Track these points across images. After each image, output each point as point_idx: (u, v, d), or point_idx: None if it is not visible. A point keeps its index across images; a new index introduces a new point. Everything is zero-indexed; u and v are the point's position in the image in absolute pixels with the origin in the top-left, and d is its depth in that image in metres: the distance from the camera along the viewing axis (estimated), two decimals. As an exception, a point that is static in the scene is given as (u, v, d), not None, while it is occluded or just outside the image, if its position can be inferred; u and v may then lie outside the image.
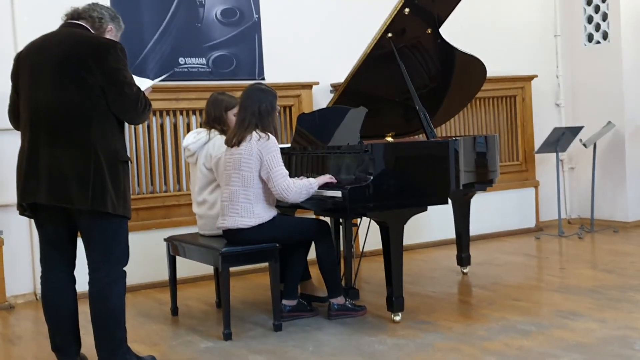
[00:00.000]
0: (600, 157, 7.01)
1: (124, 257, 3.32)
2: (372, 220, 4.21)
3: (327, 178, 4.06)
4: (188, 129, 5.57)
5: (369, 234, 4.66)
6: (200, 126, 4.67)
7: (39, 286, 3.93)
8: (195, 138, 4.40)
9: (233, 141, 4.02)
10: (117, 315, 3.28)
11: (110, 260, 3.25)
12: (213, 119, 4.43)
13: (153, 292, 5.19)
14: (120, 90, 3.18)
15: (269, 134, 3.98)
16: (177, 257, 4.49)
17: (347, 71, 4.69)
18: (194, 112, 5.63)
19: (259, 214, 3.98)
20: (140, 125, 5.38)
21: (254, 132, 3.97)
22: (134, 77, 3.30)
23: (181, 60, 5.71)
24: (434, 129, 4.52)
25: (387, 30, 4.46)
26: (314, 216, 4.85)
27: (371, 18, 5.36)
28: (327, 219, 4.68)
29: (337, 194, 3.93)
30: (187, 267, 5.03)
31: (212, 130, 4.40)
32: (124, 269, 3.31)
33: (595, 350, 3.42)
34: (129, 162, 3.32)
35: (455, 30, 5.15)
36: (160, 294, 5.08)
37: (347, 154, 4.13)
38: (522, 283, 4.92)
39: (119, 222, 3.25)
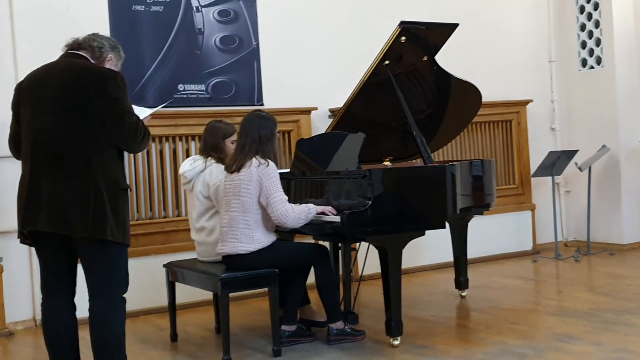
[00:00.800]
0: (596, 180, 7.06)
1: (124, 284, 3.34)
2: (370, 245, 4.24)
3: (327, 209, 4.09)
4: (187, 154, 5.61)
5: (367, 258, 4.69)
6: (198, 153, 4.70)
7: (39, 313, 3.95)
8: (191, 166, 4.43)
9: (233, 167, 4.06)
10: (117, 342, 3.30)
11: (110, 287, 3.27)
12: (210, 147, 4.46)
13: (152, 318, 5.20)
14: (120, 120, 3.23)
15: (269, 160, 4.02)
16: (176, 283, 4.51)
17: (346, 97, 4.75)
18: (193, 138, 5.68)
19: (258, 239, 4.01)
20: (140, 153, 5.42)
21: (254, 159, 4.02)
22: (133, 106, 3.35)
23: (180, 86, 5.77)
24: (430, 154, 4.57)
25: (384, 58, 4.53)
26: (312, 241, 4.88)
27: (369, 45, 5.42)
28: (326, 244, 4.72)
29: (336, 219, 3.97)
30: (186, 293, 5.05)
31: (209, 158, 4.43)
32: (124, 295, 3.34)
33: (592, 373, 3.45)
34: (129, 189, 3.36)
35: (451, 56, 5.22)
36: (159, 320, 5.09)
37: (346, 179, 4.18)
38: (519, 306, 4.94)
39: (119, 249, 3.28)
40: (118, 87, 3.25)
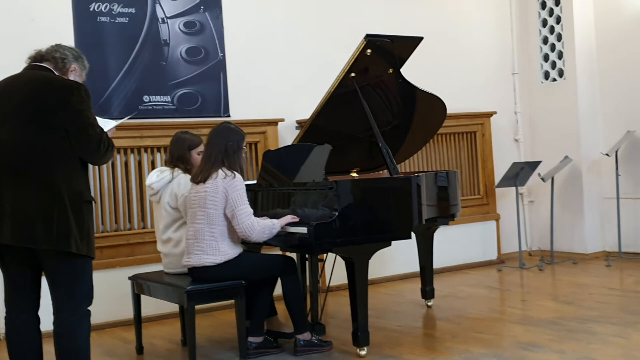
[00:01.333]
0: (559, 190, 7.18)
1: (89, 297, 3.32)
2: (337, 255, 4.26)
3: (289, 218, 4.13)
4: (153, 166, 5.59)
5: (334, 269, 4.71)
6: (164, 164, 4.68)
7: (2, 327, 3.89)
8: (158, 177, 4.42)
9: (199, 178, 4.06)
10: (82, 355, 3.28)
11: (74, 299, 3.25)
12: (176, 158, 4.45)
13: (118, 331, 5.15)
14: (83, 132, 3.22)
15: (235, 172, 4.03)
16: (142, 295, 4.48)
17: (313, 108, 4.78)
18: (158, 150, 5.65)
19: (224, 251, 4.01)
20: (105, 164, 5.38)
21: (220, 170, 4.02)
22: (98, 118, 3.33)
23: (146, 98, 5.74)
24: (396, 165, 4.62)
25: (350, 70, 4.56)
26: (279, 252, 4.89)
27: (335, 56, 5.49)
28: (293, 255, 4.73)
29: (303, 230, 3.98)
30: (152, 306, 5.01)
31: (176, 169, 4.42)
32: (89, 308, 3.32)
33: (556, 381, 3.50)
34: (93, 202, 3.34)
35: (417, 69, 5.28)
36: (125, 333, 5.04)
37: (313, 191, 4.20)
38: (484, 315, 5.00)
39: (83, 262, 3.26)
40: (82, 99, 3.23)
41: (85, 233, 3.23)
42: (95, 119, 3.29)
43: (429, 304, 5.35)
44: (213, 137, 4.12)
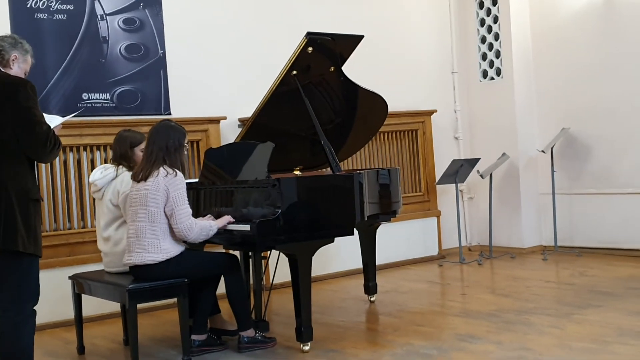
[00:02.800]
0: (497, 187, 7.35)
1: (35, 296, 3.30)
2: (281, 253, 4.29)
3: (226, 220, 4.13)
4: (92, 164, 5.51)
5: (278, 266, 4.73)
6: (103, 163, 4.64)
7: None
8: (102, 174, 4.38)
9: (140, 176, 4.03)
10: (27, 355, 3.26)
11: (20, 299, 3.22)
12: (120, 156, 4.42)
13: (58, 331, 5.07)
14: (30, 129, 3.17)
15: (177, 170, 4.01)
16: (83, 295, 4.42)
17: (255, 106, 4.78)
18: (98, 148, 5.57)
19: (166, 249, 3.98)
20: (44, 163, 5.28)
21: (161, 168, 4.00)
22: (45, 115, 3.29)
23: (85, 95, 5.66)
24: (339, 163, 4.66)
25: (291, 68, 4.59)
26: (223, 250, 4.88)
27: (277, 54, 5.50)
28: (237, 253, 4.73)
29: (246, 227, 3.99)
30: (92, 305, 4.95)
31: (120, 166, 4.39)
32: (34, 307, 3.28)
33: (494, 371, 3.60)
34: (40, 200, 3.30)
35: (358, 68, 5.34)
36: (66, 333, 4.97)
37: (256, 188, 4.21)
38: (425, 309, 5.09)
39: (30, 260, 3.24)
40: (28, 96, 3.20)
41: (32, 231, 3.21)
42: (42, 116, 3.26)
43: (371, 299, 5.42)
44: (154, 135, 4.09)
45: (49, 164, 5.37)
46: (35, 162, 3.33)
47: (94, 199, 5.42)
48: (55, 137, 3.26)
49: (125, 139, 4.44)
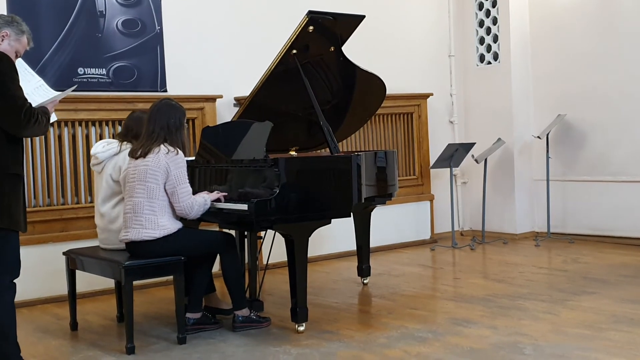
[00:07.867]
0: (491, 172, 7.35)
1: (12, 270, 3.30)
2: (276, 233, 4.27)
3: (218, 194, 4.12)
4: (87, 140, 5.47)
5: (273, 247, 4.72)
6: (116, 137, 4.59)
7: None
8: (104, 148, 4.34)
9: (139, 152, 4.00)
10: (5, 329, 3.25)
11: None
12: (132, 135, 4.36)
13: (51, 307, 5.04)
14: (3, 102, 3.15)
15: (178, 149, 3.99)
16: (77, 271, 4.40)
17: (252, 85, 4.75)
18: (93, 123, 5.53)
19: (164, 225, 3.96)
20: (38, 137, 5.24)
21: (162, 145, 3.97)
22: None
23: (80, 70, 5.59)
24: (337, 144, 4.64)
25: (291, 47, 4.55)
26: (218, 229, 4.86)
27: (276, 33, 5.45)
28: (232, 232, 4.71)
29: (243, 207, 3.97)
30: (85, 282, 4.92)
31: (124, 142, 4.36)
32: (14, 281, 3.28)
33: (487, 355, 3.61)
34: (20, 175, 3.27)
35: (355, 49, 5.30)
36: (58, 309, 4.94)
37: (253, 168, 4.18)
38: (419, 292, 5.10)
39: (4, 235, 3.23)
40: (3, 70, 3.17)
41: (6, 206, 3.19)
42: (19, 90, 3.22)
43: (365, 281, 5.42)
44: (154, 114, 4.06)
45: (43, 139, 5.32)
46: (20, 138, 3.31)
47: (89, 174, 5.40)
48: (32, 111, 3.23)
49: (142, 121, 4.38)
